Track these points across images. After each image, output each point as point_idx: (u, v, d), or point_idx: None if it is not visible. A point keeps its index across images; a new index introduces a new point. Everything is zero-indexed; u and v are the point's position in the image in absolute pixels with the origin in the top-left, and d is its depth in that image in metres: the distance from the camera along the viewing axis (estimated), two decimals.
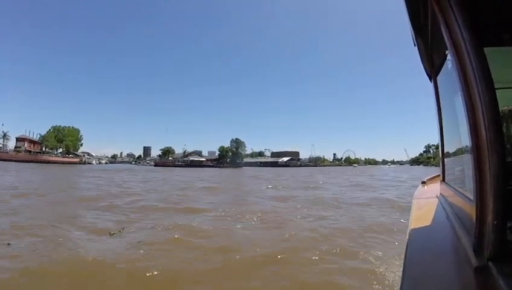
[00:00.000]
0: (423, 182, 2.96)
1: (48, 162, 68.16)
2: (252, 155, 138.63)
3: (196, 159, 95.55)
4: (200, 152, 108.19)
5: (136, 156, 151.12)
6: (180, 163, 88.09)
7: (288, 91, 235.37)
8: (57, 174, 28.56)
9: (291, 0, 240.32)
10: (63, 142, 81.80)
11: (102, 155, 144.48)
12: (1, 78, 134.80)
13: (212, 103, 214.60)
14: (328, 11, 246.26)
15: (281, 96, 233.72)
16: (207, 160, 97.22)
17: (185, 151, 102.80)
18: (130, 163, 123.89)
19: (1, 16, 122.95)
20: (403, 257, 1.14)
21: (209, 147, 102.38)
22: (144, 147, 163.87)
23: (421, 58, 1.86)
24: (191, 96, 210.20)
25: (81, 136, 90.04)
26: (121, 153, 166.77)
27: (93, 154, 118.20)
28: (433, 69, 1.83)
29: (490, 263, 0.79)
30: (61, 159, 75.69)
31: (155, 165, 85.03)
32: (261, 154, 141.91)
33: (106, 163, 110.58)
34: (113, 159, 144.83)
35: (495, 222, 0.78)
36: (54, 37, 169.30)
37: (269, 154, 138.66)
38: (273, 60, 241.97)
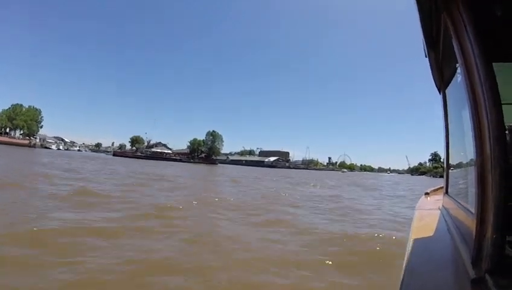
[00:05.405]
0: (426, 193, 2.89)
1: None
2: (242, 153, 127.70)
3: (160, 151, 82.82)
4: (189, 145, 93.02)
5: (119, 146, 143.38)
6: (139, 154, 76.71)
7: (292, 94, 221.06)
8: None
9: (296, 4, 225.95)
10: (12, 121, 72.86)
11: (93, 143, 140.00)
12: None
13: (218, 100, 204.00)
14: (338, 17, 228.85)
15: (283, 98, 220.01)
16: (175, 153, 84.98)
17: (149, 142, 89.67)
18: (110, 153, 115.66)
19: None
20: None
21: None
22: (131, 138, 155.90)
23: (431, 70, 1.83)
24: (189, 93, 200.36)
25: (41, 117, 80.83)
26: (113, 143, 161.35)
27: (67, 140, 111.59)
28: (442, 82, 1.81)
29: (487, 276, 0.78)
30: (2, 139, 66.64)
31: (113, 155, 74.65)
32: (251, 152, 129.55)
33: (79, 150, 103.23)
34: (97, 147, 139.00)
35: (494, 236, 0.78)
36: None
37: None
38: (279, 62, 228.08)
